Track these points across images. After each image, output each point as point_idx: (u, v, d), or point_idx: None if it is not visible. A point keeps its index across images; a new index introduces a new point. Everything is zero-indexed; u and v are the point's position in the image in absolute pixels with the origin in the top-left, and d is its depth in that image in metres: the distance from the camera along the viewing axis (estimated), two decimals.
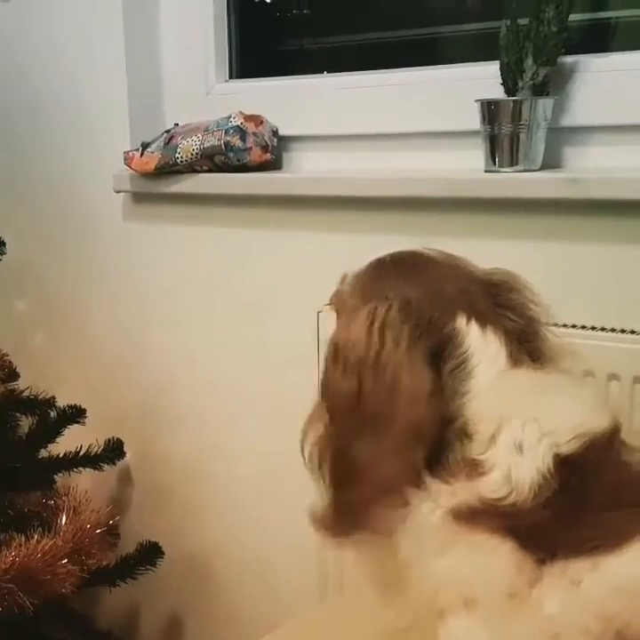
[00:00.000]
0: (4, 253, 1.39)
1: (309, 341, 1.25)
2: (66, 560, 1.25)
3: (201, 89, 1.48)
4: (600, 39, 1.19)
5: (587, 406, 0.74)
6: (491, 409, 0.71)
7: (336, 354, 0.75)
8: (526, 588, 0.67)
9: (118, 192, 1.50)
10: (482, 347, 0.74)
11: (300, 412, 1.31)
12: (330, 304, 0.84)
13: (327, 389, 0.76)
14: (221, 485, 1.50)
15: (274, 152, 1.37)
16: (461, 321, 0.75)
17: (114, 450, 1.50)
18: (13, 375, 1.38)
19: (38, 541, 1.24)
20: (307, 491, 1.30)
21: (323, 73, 1.44)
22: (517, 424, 0.70)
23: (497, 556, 0.67)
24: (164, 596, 1.58)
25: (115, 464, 1.52)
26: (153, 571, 1.47)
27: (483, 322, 0.75)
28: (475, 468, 0.69)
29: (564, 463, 0.68)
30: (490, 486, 0.68)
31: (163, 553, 1.48)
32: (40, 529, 1.28)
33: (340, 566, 1.27)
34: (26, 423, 1.45)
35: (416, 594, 0.70)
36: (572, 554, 0.66)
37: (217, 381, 1.47)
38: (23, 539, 1.24)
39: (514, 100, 1.06)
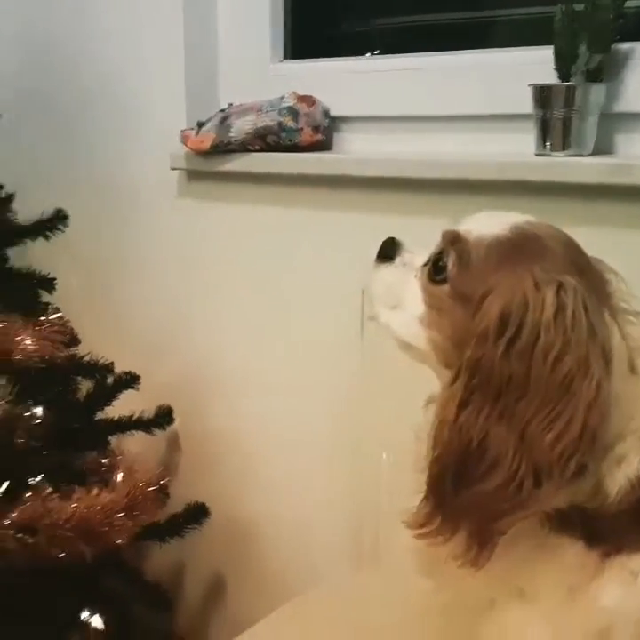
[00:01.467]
0: (67, 226, 1.45)
1: (354, 319, 1.30)
2: (121, 514, 1.31)
3: (256, 69, 1.51)
4: None
5: None
6: (618, 418, 0.67)
7: (502, 328, 0.66)
8: (587, 581, 0.68)
9: (174, 170, 1.54)
10: (619, 347, 0.70)
11: (340, 387, 1.38)
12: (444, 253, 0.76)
13: (482, 367, 0.66)
14: (264, 452, 1.55)
15: (325, 133, 1.40)
16: (606, 315, 0.70)
17: (164, 416, 1.57)
18: (75, 341, 1.44)
19: (97, 495, 1.30)
20: (347, 461, 1.37)
21: (375, 54, 1.47)
22: (631, 440, 0.68)
23: (564, 554, 0.68)
24: (209, 553, 1.64)
25: (165, 429, 1.58)
26: (199, 529, 1.53)
27: (614, 319, 0.71)
28: (579, 473, 0.65)
29: None
30: (581, 491, 0.67)
31: (209, 513, 1.54)
32: (98, 485, 1.34)
33: (375, 535, 1.32)
34: (84, 387, 1.52)
35: (467, 575, 0.68)
36: (635, 549, 0.67)
37: (262, 355, 1.52)
38: (83, 492, 1.30)
39: (567, 86, 1.07)
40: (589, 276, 0.72)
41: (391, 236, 0.84)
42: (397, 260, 0.82)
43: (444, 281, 0.75)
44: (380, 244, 0.84)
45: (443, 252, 0.76)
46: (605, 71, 1.09)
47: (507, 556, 0.68)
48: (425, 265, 0.78)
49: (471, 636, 0.74)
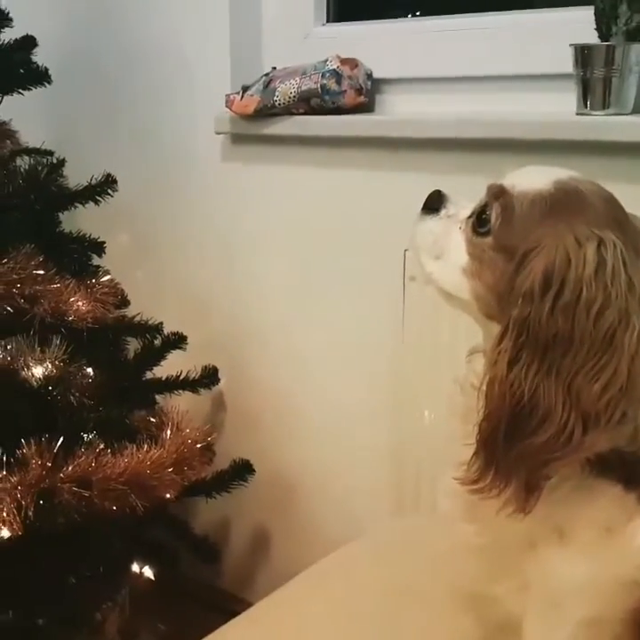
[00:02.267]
0: (116, 190, 1.48)
1: (396, 279, 1.32)
2: (170, 469, 1.36)
3: (299, 33, 1.53)
4: None
5: None
6: None
7: (547, 286, 0.67)
8: (624, 522, 0.70)
9: (219, 134, 1.56)
10: None
11: (382, 345, 1.40)
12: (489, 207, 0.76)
13: (529, 324, 0.67)
14: (307, 409, 1.59)
15: (368, 95, 1.41)
16: None
17: (210, 376, 1.60)
18: (125, 302, 1.48)
19: (147, 451, 1.35)
20: (388, 414, 1.39)
21: (416, 16, 1.47)
22: None
23: (602, 496, 0.70)
24: (253, 508, 1.69)
25: (210, 389, 1.62)
26: (244, 485, 1.57)
27: None
28: (622, 420, 0.67)
29: None
30: (621, 436, 0.68)
31: (253, 470, 1.58)
32: (148, 441, 1.39)
33: (415, 485, 1.35)
34: (133, 347, 1.56)
35: (508, 518, 0.70)
36: None
37: (305, 315, 1.55)
38: (134, 448, 1.35)
39: (607, 45, 1.08)
40: (628, 231, 0.73)
41: (437, 188, 0.85)
42: (442, 211, 0.83)
43: (487, 233, 0.76)
44: (425, 196, 0.86)
45: (487, 205, 0.77)
46: None
47: (547, 499, 0.70)
48: (469, 217, 0.80)
49: (512, 575, 0.76)
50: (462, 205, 0.83)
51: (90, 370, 1.41)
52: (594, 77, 1.08)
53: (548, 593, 0.74)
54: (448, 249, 0.81)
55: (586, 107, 1.11)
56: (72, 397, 1.33)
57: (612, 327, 0.66)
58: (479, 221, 0.77)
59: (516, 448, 0.68)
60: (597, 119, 1.10)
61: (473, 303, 0.78)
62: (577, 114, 1.13)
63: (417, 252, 0.84)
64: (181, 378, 1.57)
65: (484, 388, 0.71)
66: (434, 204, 0.84)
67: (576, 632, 0.73)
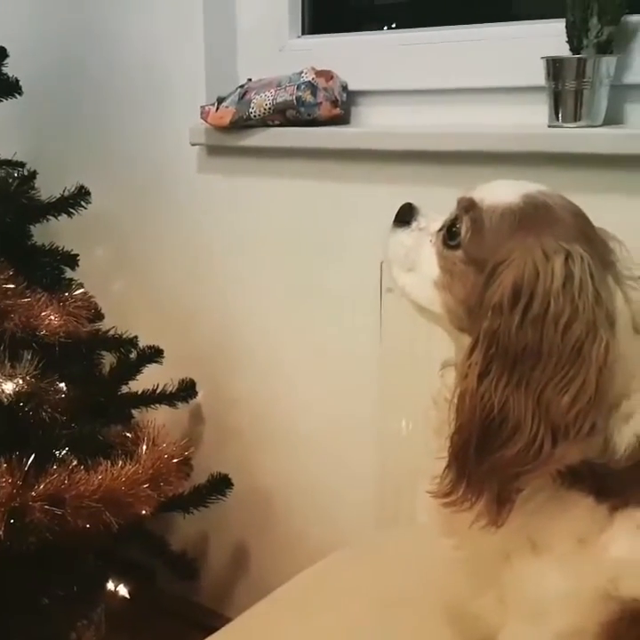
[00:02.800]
0: (90, 202, 1.47)
1: (372, 291, 1.31)
2: (146, 485, 1.34)
3: (274, 45, 1.52)
4: None
5: None
6: (623, 377, 0.70)
7: (516, 299, 0.68)
8: (597, 533, 0.70)
9: (194, 145, 1.56)
10: (622, 311, 0.72)
11: (361, 356, 1.39)
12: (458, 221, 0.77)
13: (498, 337, 0.68)
14: (285, 424, 1.58)
15: (343, 107, 1.41)
16: (610, 281, 0.72)
17: (187, 389, 1.59)
18: (99, 316, 1.46)
19: (122, 467, 1.33)
20: (368, 428, 1.38)
21: (392, 28, 1.47)
22: (636, 398, 0.70)
23: (574, 507, 0.71)
24: (232, 523, 1.68)
25: (188, 402, 1.61)
26: (223, 500, 1.56)
27: (618, 285, 0.73)
28: (591, 431, 0.68)
29: None
30: (591, 448, 0.69)
31: (232, 484, 1.56)
32: (123, 457, 1.37)
33: (396, 498, 1.34)
34: (108, 361, 1.55)
35: (484, 531, 0.70)
36: None
37: (283, 328, 1.54)
38: (109, 464, 1.33)
39: (578, 58, 1.08)
40: (595, 244, 0.74)
41: (408, 201, 0.86)
42: (413, 224, 0.84)
43: (457, 246, 0.77)
44: (397, 208, 0.86)
45: (457, 218, 0.78)
46: (616, 43, 1.10)
47: (521, 512, 0.71)
48: (440, 230, 0.80)
49: (490, 588, 0.76)
50: (433, 218, 0.83)
51: (63, 385, 1.39)
52: (565, 90, 1.09)
53: (522, 605, 0.74)
54: (419, 262, 0.81)
55: (557, 119, 1.12)
56: (44, 413, 1.31)
57: (579, 340, 0.67)
58: (449, 234, 0.78)
59: (486, 461, 0.68)
60: (569, 131, 1.11)
61: (444, 316, 0.78)
62: (549, 126, 1.13)
63: (389, 264, 0.84)
64: (158, 391, 1.56)
65: (455, 400, 0.71)
66: (405, 216, 0.85)
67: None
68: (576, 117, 1.10)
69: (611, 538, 0.70)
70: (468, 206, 0.76)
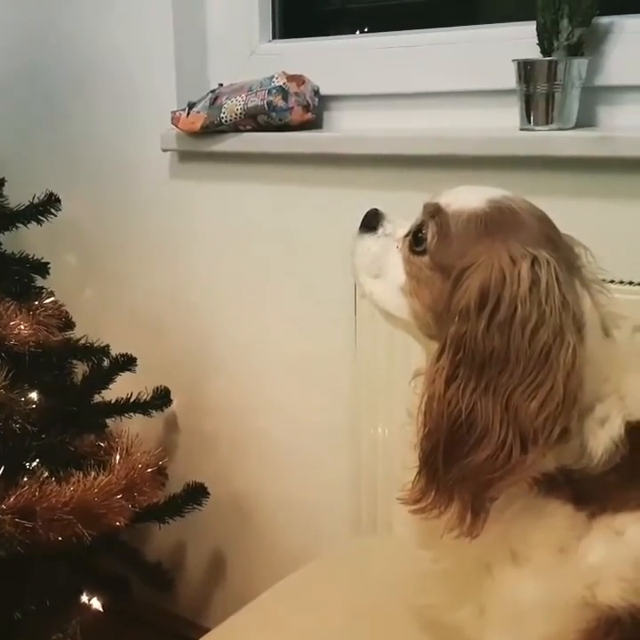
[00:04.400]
0: (60, 210, 1.45)
1: (346, 296, 1.30)
2: (120, 496, 1.32)
3: (245, 49, 1.51)
4: (634, 0, 1.18)
5: None
6: (594, 381, 0.70)
7: (483, 303, 0.68)
8: (575, 541, 0.70)
9: (165, 151, 1.54)
10: (591, 314, 0.72)
11: (336, 362, 1.39)
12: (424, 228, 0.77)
13: (465, 342, 0.68)
14: (261, 432, 1.57)
15: (315, 111, 1.40)
16: (577, 285, 0.72)
17: (161, 397, 1.57)
18: (70, 324, 1.45)
19: (94, 478, 1.31)
20: (344, 436, 1.38)
21: (363, 32, 1.47)
22: (610, 401, 0.71)
23: (553, 515, 0.70)
24: (209, 532, 1.66)
25: (162, 411, 1.59)
26: (199, 509, 1.54)
27: (586, 289, 0.74)
28: (562, 436, 0.68)
29: (633, 430, 0.70)
30: (566, 454, 0.69)
31: (208, 493, 1.55)
32: (96, 467, 1.35)
33: (372, 506, 1.33)
34: (80, 370, 1.53)
35: (462, 543, 0.70)
36: (620, 508, 0.69)
37: (258, 335, 1.53)
38: (81, 475, 1.31)
39: (549, 60, 1.08)
40: (561, 249, 0.74)
41: (374, 207, 0.85)
42: (380, 230, 0.83)
43: (423, 252, 0.76)
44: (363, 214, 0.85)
45: (423, 223, 0.77)
46: (586, 45, 1.10)
47: (498, 522, 0.71)
48: (406, 236, 0.80)
49: (470, 600, 0.76)
50: (399, 224, 0.83)
51: (34, 395, 1.37)
52: (537, 93, 1.09)
53: (503, 615, 0.74)
54: (386, 268, 0.81)
55: (529, 122, 1.12)
56: (14, 425, 1.29)
57: (546, 345, 0.67)
58: (416, 240, 0.78)
59: (455, 466, 0.67)
60: (541, 134, 1.11)
61: (412, 322, 0.78)
62: (520, 129, 1.13)
63: (356, 271, 0.84)
64: (132, 400, 1.54)
65: (423, 406, 0.70)
66: (371, 222, 0.84)
67: None
68: (548, 120, 1.10)
69: (588, 545, 0.70)
70: (434, 211, 0.76)
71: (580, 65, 1.09)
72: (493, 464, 0.66)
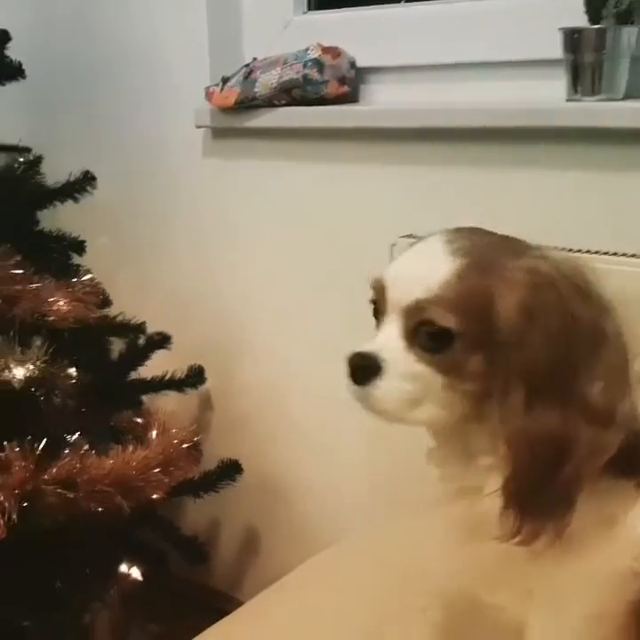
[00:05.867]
0: (95, 188, 1.45)
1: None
2: (157, 470, 1.34)
3: (279, 22, 1.50)
4: None
5: None
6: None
7: (532, 316, 0.67)
8: (623, 513, 0.70)
9: (199, 127, 1.54)
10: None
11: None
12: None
13: (531, 364, 0.66)
14: (293, 413, 1.57)
15: (351, 84, 1.38)
16: None
17: (196, 375, 1.59)
18: (107, 302, 1.46)
19: (133, 452, 1.33)
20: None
21: (400, 3, 1.44)
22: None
23: (601, 488, 0.69)
24: (242, 509, 1.67)
25: (196, 388, 1.60)
26: (233, 485, 1.55)
27: None
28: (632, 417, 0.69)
29: None
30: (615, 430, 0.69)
31: (241, 469, 1.56)
32: (133, 442, 1.37)
33: (393, 488, 1.34)
34: (117, 348, 1.54)
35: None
36: None
37: (292, 314, 1.52)
38: (120, 449, 1.33)
39: (597, 28, 1.06)
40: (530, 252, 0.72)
41: (352, 353, 0.74)
42: (383, 365, 0.72)
43: (449, 340, 0.69)
44: (348, 369, 0.74)
45: (423, 322, 0.70)
46: (636, 13, 1.06)
47: None
48: (408, 347, 0.71)
49: (514, 585, 0.75)
50: (385, 346, 0.72)
51: (73, 370, 1.38)
52: (584, 62, 1.06)
53: (549, 595, 0.73)
54: (422, 389, 0.71)
55: (576, 92, 1.09)
56: (55, 399, 1.31)
57: (591, 338, 0.67)
58: (432, 341, 0.70)
59: (546, 492, 0.67)
60: (588, 105, 1.08)
61: (463, 408, 0.72)
62: (567, 100, 1.11)
63: (392, 417, 0.74)
64: (167, 378, 1.56)
65: (504, 451, 0.68)
66: (368, 370, 0.72)
67: (580, 629, 0.72)
68: (595, 91, 1.07)
69: (636, 515, 0.69)
70: (423, 307, 0.69)
71: (629, 33, 1.06)
72: (582, 469, 0.66)
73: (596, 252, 1.06)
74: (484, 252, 0.71)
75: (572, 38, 1.07)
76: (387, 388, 0.72)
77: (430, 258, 0.71)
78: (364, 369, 0.73)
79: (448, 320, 0.69)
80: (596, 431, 0.66)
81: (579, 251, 1.02)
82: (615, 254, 1.07)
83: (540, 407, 0.66)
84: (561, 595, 0.72)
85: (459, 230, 0.74)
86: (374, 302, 0.77)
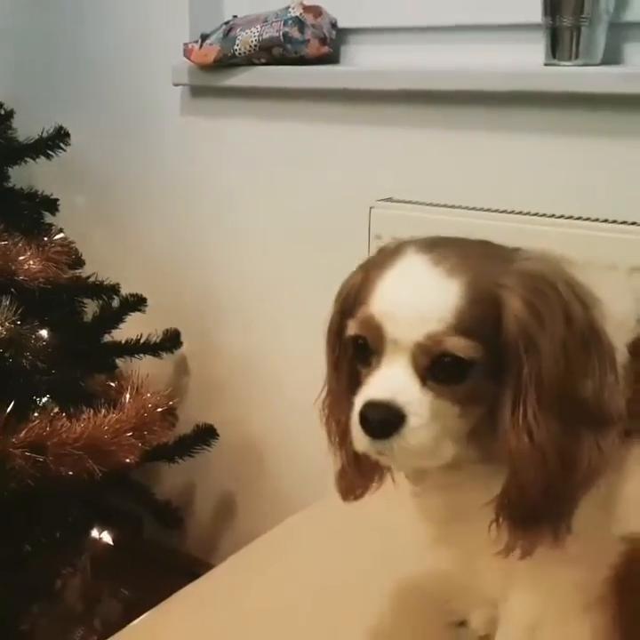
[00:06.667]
0: (69, 145, 1.42)
1: (361, 236, 1.28)
2: (129, 434, 1.33)
3: None
4: None
5: None
6: None
7: (542, 320, 0.64)
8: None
9: (177, 85, 1.51)
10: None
11: None
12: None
13: (538, 365, 0.64)
14: (270, 375, 1.56)
15: (332, 45, 1.36)
16: None
17: (171, 339, 1.57)
18: (79, 262, 1.44)
19: (105, 415, 1.32)
20: None
21: None
22: None
23: None
24: (217, 474, 1.67)
25: (172, 353, 1.59)
26: (208, 450, 1.55)
27: None
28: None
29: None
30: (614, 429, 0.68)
31: (217, 434, 1.56)
32: (106, 406, 1.35)
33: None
34: (90, 310, 1.52)
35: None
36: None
37: (269, 276, 1.51)
38: (91, 413, 1.31)
39: None
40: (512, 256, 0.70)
41: (365, 404, 0.67)
42: (406, 408, 0.66)
43: (468, 367, 0.65)
44: (362, 422, 0.68)
45: (439, 356, 0.65)
46: None
47: None
48: (422, 384, 0.66)
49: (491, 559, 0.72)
50: (399, 390, 0.66)
51: (44, 332, 1.36)
52: (563, 26, 1.05)
53: (530, 571, 0.71)
54: (443, 426, 0.67)
55: (554, 57, 1.08)
56: (24, 360, 1.29)
57: (586, 339, 0.66)
58: (450, 371, 0.65)
59: (548, 503, 0.65)
60: (566, 70, 1.07)
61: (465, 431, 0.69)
62: (545, 64, 1.10)
63: (419, 464, 0.71)
64: (142, 341, 1.54)
65: (513, 467, 0.66)
66: (394, 418, 0.66)
67: (563, 597, 0.71)
68: (572, 56, 1.06)
69: (629, 472, 0.69)
70: (442, 334, 0.64)
71: None
72: (587, 476, 0.65)
73: (570, 217, 1.06)
74: (476, 264, 0.66)
75: (552, 3, 1.06)
76: (416, 436, 0.66)
77: (427, 283, 0.65)
78: (384, 423, 0.66)
79: (468, 349, 0.64)
80: (597, 434, 0.65)
81: (552, 215, 1.01)
82: (588, 219, 1.07)
83: (549, 416, 0.64)
84: (541, 568, 0.71)
85: (434, 243, 0.68)
86: (362, 340, 0.69)
